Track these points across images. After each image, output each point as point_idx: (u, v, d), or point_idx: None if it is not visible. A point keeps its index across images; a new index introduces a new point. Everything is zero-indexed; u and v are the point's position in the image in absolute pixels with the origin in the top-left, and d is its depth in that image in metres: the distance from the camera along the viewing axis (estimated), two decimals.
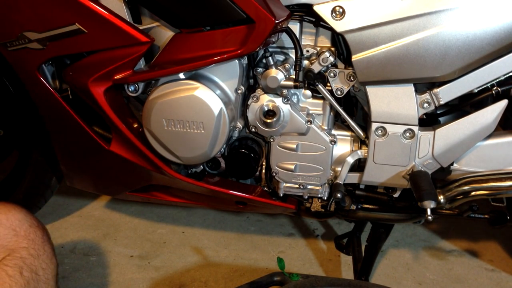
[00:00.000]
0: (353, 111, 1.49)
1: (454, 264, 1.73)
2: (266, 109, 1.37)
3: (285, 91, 1.36)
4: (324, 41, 1.39)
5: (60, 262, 1.65)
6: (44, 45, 1.30)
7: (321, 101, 1.41)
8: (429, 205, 1.27)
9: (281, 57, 1.41)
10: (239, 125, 1.42)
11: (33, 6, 1.26)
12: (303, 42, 1.39)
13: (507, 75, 1.29)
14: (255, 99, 1.38)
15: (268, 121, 1.37)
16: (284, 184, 1.49)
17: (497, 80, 1.30)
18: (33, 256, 1.05)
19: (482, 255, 1.78)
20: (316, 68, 1.36)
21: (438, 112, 1.43)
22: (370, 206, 1.50)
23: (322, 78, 1.38)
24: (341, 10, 1.25)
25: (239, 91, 1.37)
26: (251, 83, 1.43)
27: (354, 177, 1.44)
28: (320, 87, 1.36)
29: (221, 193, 1.50)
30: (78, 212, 2.00)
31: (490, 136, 1.36)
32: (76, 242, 1.81)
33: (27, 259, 1.05)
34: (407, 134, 1.34)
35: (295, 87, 1.34)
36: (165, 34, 1.34)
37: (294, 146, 1.42)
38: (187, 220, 1.96)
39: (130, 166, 1.46)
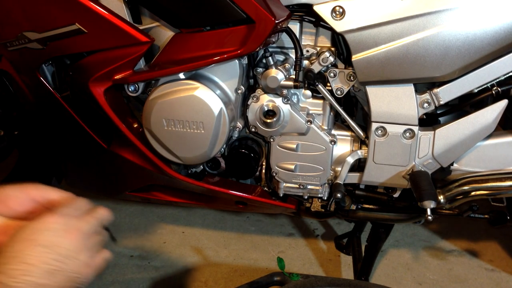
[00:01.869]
0: (353, 111, 1.49)
1: (454, 264, 1.73)
2: (266, 109, 1.37)
3: (285, 91, 1.36)
4: (324, 41, 1.39)
5: None
6: (44, 45, 1.30)
7: (321, 101, 1.41)
8: (429, 205, 1.27)
9: (281, 57, 1.41)
10: (239, 125, 1.42)
11: (33, 6, 1.26)
12: (303, 42, 1.39)
13: (507, 75, 1.29)
14: (255, 99, 1.38)
15: (268, 121, 1.37)
16: (284, 184, 1.49)
17: (497, 80, 1.30)
18: None
19: (482, 255, 1.78)
20: (316, 68, 1.36)
21: (438, 112, 1.43)
22: (370, 206, 1.50)
23: (322, 78, 1.39)
24: (341, 10, 1.25)
25: (239, 91, 1.37)
26: (251, 83, 1.43)
27: (354, 177, 1.44)
28: (320, 87, 1.36)
29: (221, 193, 1.50)
30: None
31: (490, 136, 1.36)
32: None
33: None
34: (407, 134, 1.34)
35: (295, 87, 1.34)
36: (165, 34, 1.34)
37: (294, 146, 1.42)
38: (187, 220, 1.96)
39: (130, 166, 1.46)
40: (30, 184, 0.85)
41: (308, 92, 1.40)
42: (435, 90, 1.31)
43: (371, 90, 1.32)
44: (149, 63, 1.34)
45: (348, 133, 1.44)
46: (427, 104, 1.33)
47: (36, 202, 0.84)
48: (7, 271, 0.68)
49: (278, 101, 1.37)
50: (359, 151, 1.42)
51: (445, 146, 1.35)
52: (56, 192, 0.86)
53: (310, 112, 1.41)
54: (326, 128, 1.43)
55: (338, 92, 1.38)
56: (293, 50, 1.36)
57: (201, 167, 1.51)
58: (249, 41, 1.22)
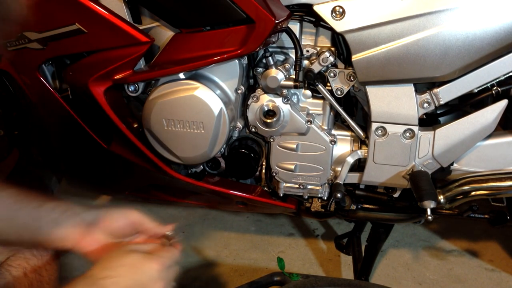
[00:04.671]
0: (353, 111, 1.49)
1: (454, 264, 1.73)
2: (266, 109, 1.37)
3: (285, 91, 1.36)
4: (324, 41, 1.39)
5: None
6: (44, 45, 1.30)
7: (321, 101, 1.41)
8: (429, 205, 1.27)
9: (281, 57, 1.41)
10: (239, 125, 1.42)
11: (33, 6, 1.26)
12: (303, 42, 1.39)
13: (507, 75, 1.29)
14: (255, 99, 1.38)
15: (268, 121, 1.37)
16: (284, 184, 1.48)
17: (497, 80, 1.30)
18: (37, 257, 1.05)
19: (482, 255, 1.78)
20: (316, 68, 1.36)
21: (438, 112, 1.43)
22: (370, 206, 1.50)
23: (322, 78, 1.38)
24: (341, 10, 1.25)
25: (239, 91, 1.37)
26: (251, 83, 1.43)
27: (354, 177, 1.44)
28: (320, 87, 1.36)
29: (221, 193, 1.49)
30: None
31: (490, 136, 1.36)
32: None
33: (31, 260, 1.05)
34: (407, 134, 1.34)
35: (295, 87, 1.34)
36: (165, 34, 1.34)
37: (294, 146, 1.42)
38: (187, 220, 1.96)
39: (130, 166, 1.46)
40: (133, 210, 1.00)
41: (308, 92, 1.40)
42: (435, 90, 1.31)
43: (371, 90, 1.32)
44: (149, 63, 1.34)
45: (348, 133, 1.44)
46: (427, 104, 1.32)
47: (133, 225, 0.99)
48: (99, 282, 0.82)
49: (278, 101, 1.37)
50: (359, 151, 1.42)
51: (445, 146, 1.35)
52: (150, 222, 1.01)
53: (310, 112, 1.41)
54: (326, 128, 1.43)
55: (338, 92, 1.38)
56: (293, 50, 1.36)
57: (201, 167, 1.51)
58: (249, 41, 1.22)
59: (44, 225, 0.97)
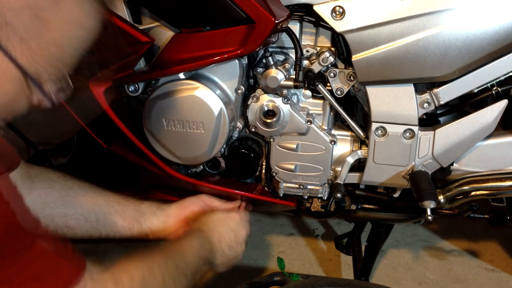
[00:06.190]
0: (353, 111, 1.49)
1: (454, 264, 1.73)
2: (266, 109, 1.37)
3: (285, 91, 1.36)
4: (324, 41, 1.39)
5: None
6: None
7: (321, 101, 1.41)
8: (429, 205, 1.27)
9: (281, 57, 1.41)
10: (239, 125, 1.42)
11: None
12: (303, 42, 1.39)
13: (507, 75, 1.29)
14: (255, 99, 1.38)
15: (268, 121, 1.37)
16: (284, 184, 1.48)
17: (497, 80, 1.30)
18: None
19: (482, 255, 1.78)
20: (316, 68, 1.36)
21: (438, 112, 1.43)
22: (370, 206, 1.50)
23: (322, 78, 1.38)
24: (341, 10, 1.25)
25: (239, 91, 1.37)
26: (251, 83, 1.43)
27: (354, 177, 1.44)
28: (320, 87, 1.36)
29: (221, 192, 1.49)
30: None
31: (490, 136, 1.36)
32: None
33: None
34: (407, 134, 1.34)
35: (295, 87, 1.34)
36: (165, 34, 1.34)
37: (294, 146, 1.42)
38: None
39: (130, 166, 1.46)
40: (203, 194, 1.31)
41: (308, 92, 1.40)
42: (435, 90, 1.31)
43: (371, 90, 1.32)
44: (149, 63, 1.34)
45: (348, 133, 1.44)
46: (427, 104, 1.32)
47: (206, 205, 1.28)
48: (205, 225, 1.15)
49: (278, 101, 1.37)
50: (359, 151, 1.42)
51: (445, 146, 1.35)
52: (218, 201, 1.31)
53: (310, 112, 1.41)
54: (326, 128, 1.43)
55: (338, 92, 1.38)
56: (293, 50, 1.35)
57: (201, 167, 1.51)
58: (249, 41, 1.22)
59: (146, 219, 1.22)
